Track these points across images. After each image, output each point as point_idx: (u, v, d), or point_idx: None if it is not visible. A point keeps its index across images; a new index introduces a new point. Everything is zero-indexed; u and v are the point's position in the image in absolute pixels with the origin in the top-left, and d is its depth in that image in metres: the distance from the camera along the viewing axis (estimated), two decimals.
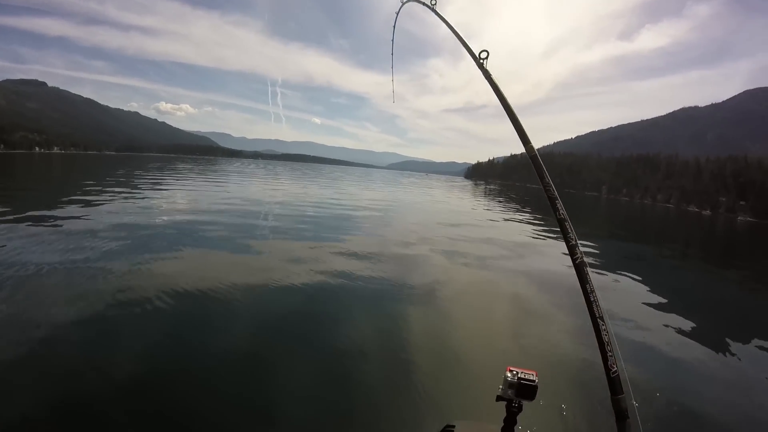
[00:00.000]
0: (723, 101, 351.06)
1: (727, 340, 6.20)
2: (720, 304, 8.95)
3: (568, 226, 1.68)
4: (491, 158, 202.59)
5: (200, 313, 5.22)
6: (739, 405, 4.29)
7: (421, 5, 3.28)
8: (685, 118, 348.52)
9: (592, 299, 1.49)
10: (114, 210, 12.61)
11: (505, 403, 1.93)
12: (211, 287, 6.02)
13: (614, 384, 1.43)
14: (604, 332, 1.42)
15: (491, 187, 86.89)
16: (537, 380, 1.85)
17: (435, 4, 3.00)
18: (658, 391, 4.13)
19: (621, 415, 1.44)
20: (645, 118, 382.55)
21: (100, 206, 13.27)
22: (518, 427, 1.98)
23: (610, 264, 11.19)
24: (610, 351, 1.38)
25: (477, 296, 7.31)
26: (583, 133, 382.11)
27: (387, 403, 3.69)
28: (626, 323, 6.27)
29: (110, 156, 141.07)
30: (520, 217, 22.76)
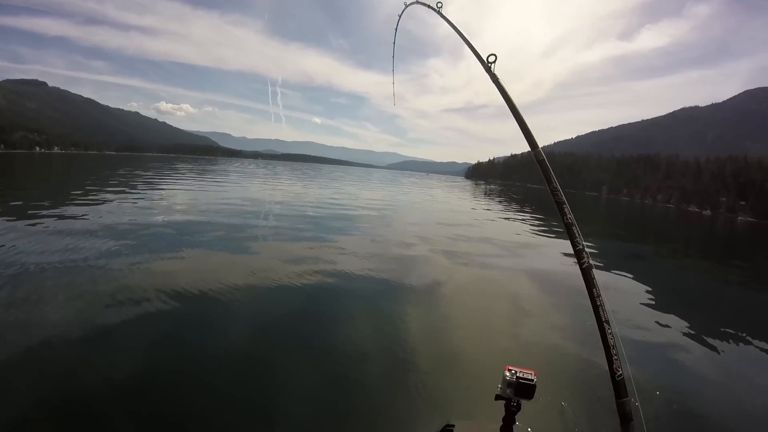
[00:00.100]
0: (723, 101, 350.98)
1: (729, 340, 6.20)
2: (721, 304, 8.95)
3: (575, 231, 1.69)
4: (491, 158, 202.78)
5: (200, 313, 5.22)
6: (740, 406, 4.29)
7: (426, 8, 3.24)
8: (685, 118, 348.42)
9: (598, 303, 1.49)
10: (114, 210, 12.61)
11: (504, 402, 1.95)
12: (211, 287, 6.02)
13: (619, 387, 1.42)
14: (610, 336, 1.43)
15: (491, 187, 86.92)
16: (535, 379, 1.87)
17: (441, 6, 2.96)
18: (660, 393, 4.12)
19: (625, 417, 1.43)
20: (645, 118, 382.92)
21: (100, 206, 13.27)
22: (517, 426, 2.00)
23: (609, 263, 11.20)
24: (615, 354, 1.37)
25: (476, 295, 7.31)
26: (584, 133, 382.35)
27: (387, 403, 3.69)
28: (627, 323, 6.27)
29: (110, 156, 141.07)
30: (520, 217, 22.76)
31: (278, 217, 14.51)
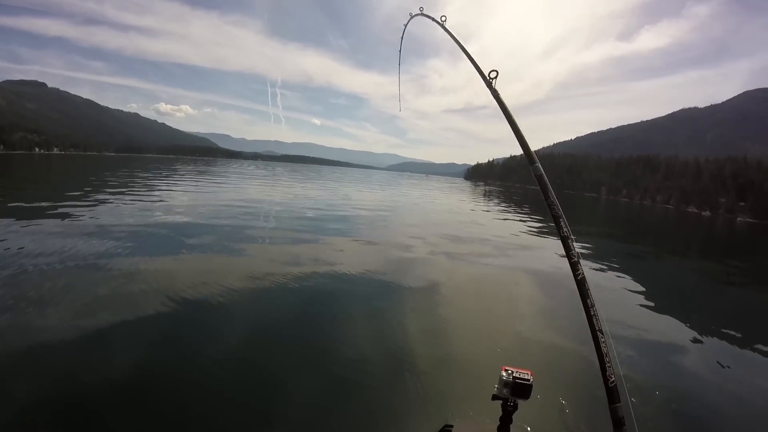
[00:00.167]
0: (722, 102, 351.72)
1: (725, 341, 6.21)
2: (718, 305, 8.96)
3: (570, 244, 1.70)
4: (491, 159, 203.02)
5: (198, 313, 5.22)
6: (734, 407, 4.30)
7: (430, 20, 3.24)
8: (684, 118, 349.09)
9: (592, 313, 1.52)
10: (113, 211, 12.61)
11: (501, 402, 1.97)
12: (209, 288, 6.03)
13: (612, 393, 1.46)
14: (603, 344, 1.46)
15: (490, 188, 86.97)
16: (532, 379, 1.89)
17: (445, 20, 2.98)
18: (654, 395, 4.13)
19: (618, 422, 1.47)
20: (644, 119, 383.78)
21: (99, 207, 13.27)
22: (514, 426, 2.02)
23: (608, 264, 11.20)
24: (608, 362, 1.41)
25: (473, 296, 7.33)
26: (583, 134, 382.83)
27: (386, 404, 3.69)
28: (623, 324, 6.27)
29: (110, 157, 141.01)
30: (518, 218, 22.77)
31: (277, 218, 14.51)
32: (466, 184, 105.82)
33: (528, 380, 1.89)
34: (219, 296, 5.76)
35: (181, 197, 18.59)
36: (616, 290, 8.47)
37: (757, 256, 21.56)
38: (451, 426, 2.92)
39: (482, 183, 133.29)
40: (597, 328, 1.50)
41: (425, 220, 18.71)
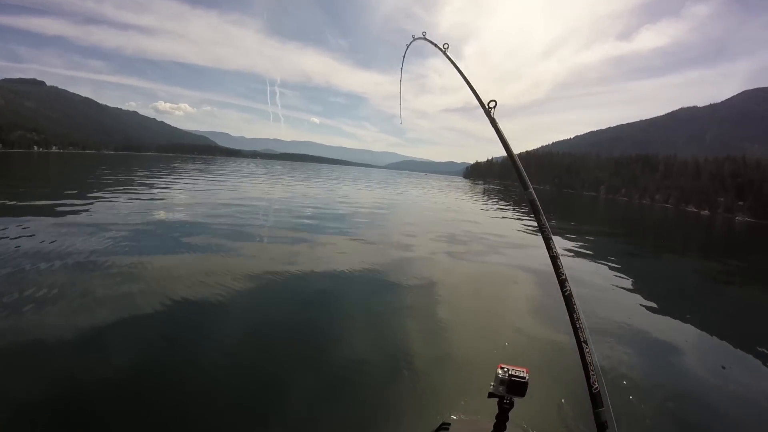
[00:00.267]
0: (722, 101, 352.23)
1: (717, 341, 6.23)
2: (713, 305, 8.99)
3: (559, 263, 1.81)
4: (490, 158, 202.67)
5: (196, 313, 5.21)
6: (724, 406, 4.30)
7: (433, 45, 3.36)
8: (683, 118, 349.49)
9: (578, 326, 1.60)
10: (110, 210, 12.59)
11: (497, 399, 1.98)
12: (208, 287, 6.03)
13: (595, 398, 1.55)
14: (588, 354, 1.54)
15: (489, 186, 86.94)
16: (527, 377, 1.91)
17: (447, 48, 3.12)
18: (637, 398, 4.13)
19: (601, 426, 1.57)
20: (644, 118, 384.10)
21: (98, 206, 13.25)
22: (510, 423, 2.03)
23: (604, 263, 11.22)
24: (592, 370, 1.50)
25: (470, 294, 7.35)
26: (582, 133, 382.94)
27: (383, 403, 3.70)
28: (618, 326, 6.29)
29: (109, 155, 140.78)
30: (516, 217, 22.77)
31: (275, 217, 14.52)
32: (465, 183, 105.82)
33: (524, 378, 1.91)
34: (217, 295, 5.75)
35: (179, 195, 18.56)
36: (612, 289, 8.48)
37: (756, 256, 21.61)
38: (449, 424, 2.93)
39: (481, 181, 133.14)
40: (582, 340, 1.57)
41: (423, 218, 18.71)
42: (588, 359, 1.54)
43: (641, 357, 5.16)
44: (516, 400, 1.97)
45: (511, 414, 2.01)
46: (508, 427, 2.04)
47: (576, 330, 1.61)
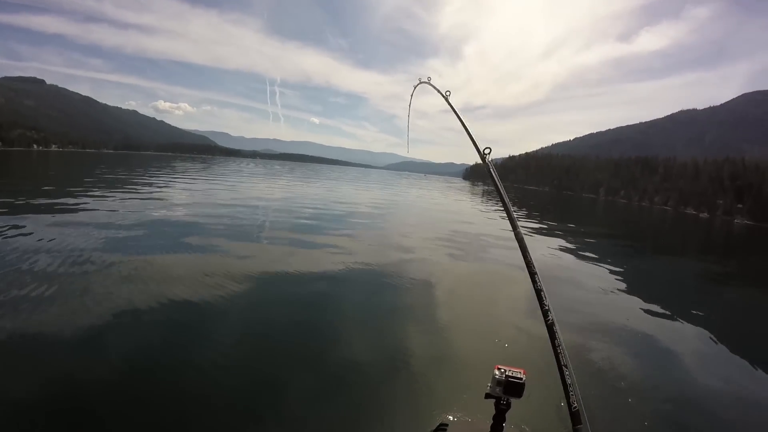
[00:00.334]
0: (721, 104, 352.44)
1: (712, 343, 6.22)
2: (711, 306, 8.99)
3: (543, 296, 1.86)
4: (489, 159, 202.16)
5: (194, 313, 5.20)
6: (715, 411, 4.30)
7: (434, 89, 3.56)
8: (683, 120, 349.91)
9: (559, 351, 1.67)
10: (109, 209, 12.57)
11: (494, 400, 1.99)
12: (206, 288, 6.03)
13: (574, 416, 1.58)
14: (568, 377, 1.60)
15: (489, 188, 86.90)
16: (525, 378, 1.92)
17: (449, 94, 3.30)
18: (635, 399, 4.13)
19: None
20: (643, 120, 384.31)
21: (95, 205, 13.23)
22: (507, 424, 2.03)
23: (602, 265, 11.23)
24: (572, 391, 1.55)
25: (467, 295, 7.37)
26: (582, 135, 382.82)
27: (382, 403, 3.70)
28: (612, 330, 6.30)
29: (108, 154, 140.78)
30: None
31: (274, 217, 14.53)
32: (465, 184, 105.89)
33: (521, 379, 1.91)
34: (215, 295, 5.74)
35: (178, 195, 18.55)
36: (611, 291, 8.49)
37: (755, 258, 21.64)
38: (446, 425, 2.93)
39: (480, 183, 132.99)
40: (563, 363, 1.64)
41: (422, 219, 18.75)
42: (568, 381, 1.59)
43: (639, 358, 5.16)
44: (513, 401, 1.97)
45: (508, 415, 2.01)
46: (505, 428, 2.04)
47: (557, 355, 1.67)
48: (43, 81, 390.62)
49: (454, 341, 5.16)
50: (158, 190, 20.00)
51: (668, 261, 15.92)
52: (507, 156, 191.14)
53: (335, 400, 3.64)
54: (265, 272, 7.06)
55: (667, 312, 7.34)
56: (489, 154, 2.55)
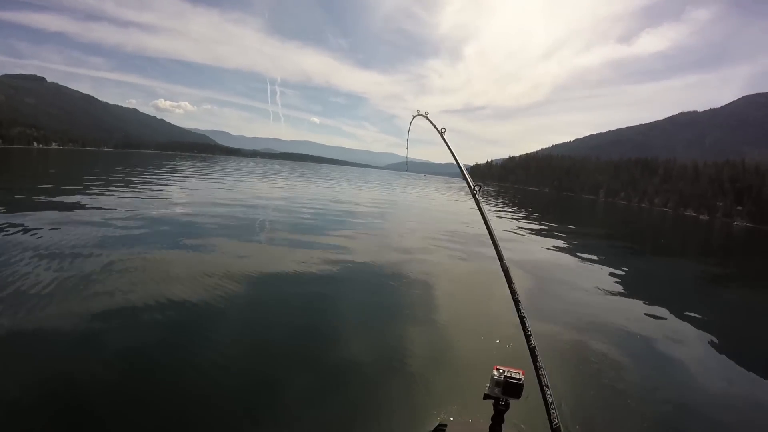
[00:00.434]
0: (722, 106, 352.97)
1: (711, 343, 6.21)
2: (711, 307, 8.97)
3: (526, 323, 1.91)
4: (489, 160, 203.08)
5: (193, 313, 5.19)
6: (714, 413, 4.30)
7: (431, 124, 3.73)
8: (683, 122, 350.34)
9: (541, 372, 1.72)
10: (108, 207, 12.54)
11: (492, 401, 1.99)
12: (205, 287, 6.02)
13: None
14: (549, 396, 1.66)
15: (488, 188, 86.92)
16: (523, 379, 1.92)
17: (444, 131, 3.50)
18: (634, 401, 4.12)
19: None
20: (644, 122, 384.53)
21: (95, 203, 13.20)
22: (506, 425, 2.03)
23: (600, 265, 11.22)
24: (553, 410, 1.61)
25: (465, 295, 7.36)
26: (582, 136, 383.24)
27: (380, 403, 3.69)
28: (611, 330, 6.28)
29: (108, 152, 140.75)
30: (514, 217, 22.77)
31: (273, 216, 14.52)
32: (464, 184, 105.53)
33: (519, 380, 1.91)
34: (214, 295, 5.73)
35: (178, 194, 18.52)
36: (610, 292, 8.47)
37: (755, 260, 21.64)
38: (445, 425, 2.92)
39: (480, 183, 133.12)
40: (545, 384, 1.69)
41: (421, 219, 18.75)
42: (550, 400, 1.64)
43: (638, 360, 5.15)
44: (512, 401, 1.97)
45: (506, 416, 2.01)
46: (503, 429, 2.04)
47: (539, 377, 1.71)
48: (43, 79, 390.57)
49: (453, 341, 5.14)
50: (158, 188, 19.97)
51: (668, 262, 15.91)
52: (507, 157, 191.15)
53: (334, 400, 3.63)
54: (264, 272, 7.05)
55: (667, 313, 7.33)
56: (479, 190, 2.73)
